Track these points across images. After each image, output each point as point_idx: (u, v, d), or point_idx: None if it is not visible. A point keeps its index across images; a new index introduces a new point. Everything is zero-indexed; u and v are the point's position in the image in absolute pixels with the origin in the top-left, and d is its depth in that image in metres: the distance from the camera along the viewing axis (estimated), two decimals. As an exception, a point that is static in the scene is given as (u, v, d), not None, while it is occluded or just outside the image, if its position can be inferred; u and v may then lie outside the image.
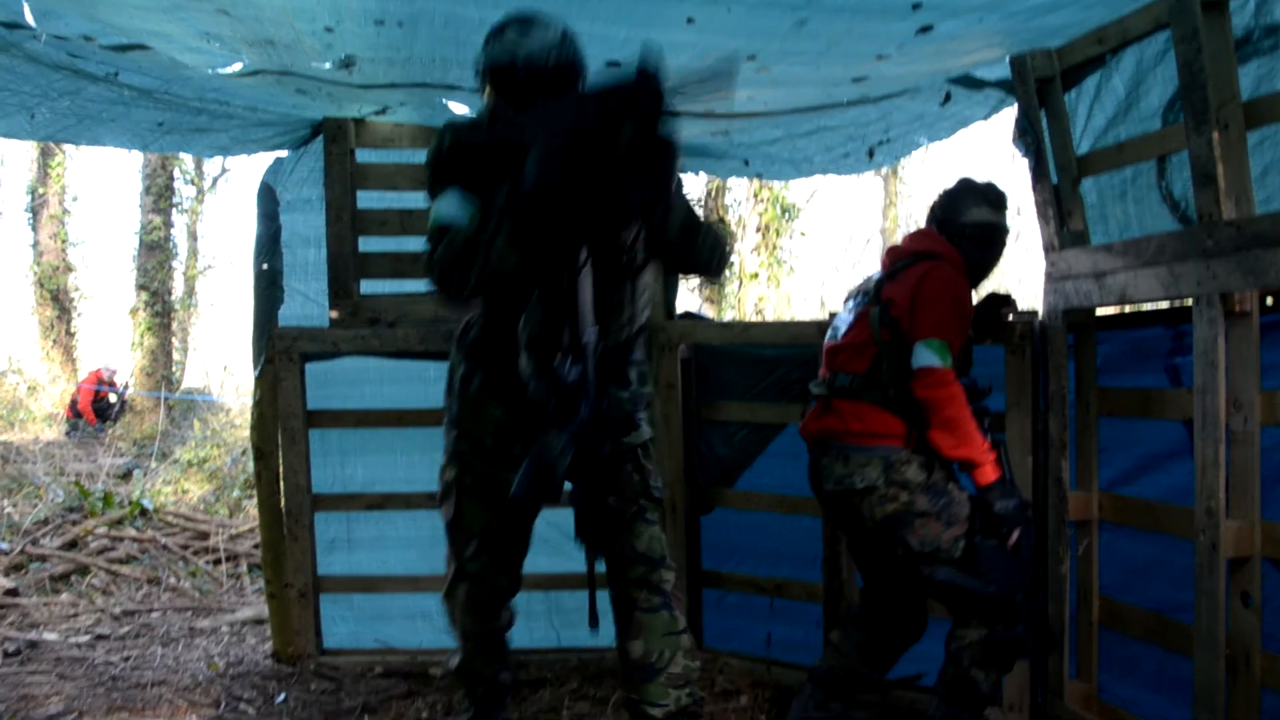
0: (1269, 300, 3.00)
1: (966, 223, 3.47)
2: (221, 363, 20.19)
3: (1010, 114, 3.90)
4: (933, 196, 3.65)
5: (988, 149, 32.36)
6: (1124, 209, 3.60)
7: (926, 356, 3.22)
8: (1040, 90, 3.67)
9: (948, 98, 4.10)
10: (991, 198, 3.52)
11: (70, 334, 18.51)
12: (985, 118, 4.22)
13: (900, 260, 3.48)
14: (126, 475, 10.57)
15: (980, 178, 3.61)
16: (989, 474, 3.21)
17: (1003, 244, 3.56)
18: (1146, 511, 3.42)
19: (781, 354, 4.62)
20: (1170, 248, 3.16)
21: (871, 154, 4.66)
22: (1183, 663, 3.20)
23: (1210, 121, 2.92)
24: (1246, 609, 2.97)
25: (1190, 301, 3.08)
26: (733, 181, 15.51)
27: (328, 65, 3.60)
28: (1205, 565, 3.01)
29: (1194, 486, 3.06)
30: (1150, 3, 3.13)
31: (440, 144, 2.63)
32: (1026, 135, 3.74)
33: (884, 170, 20.42)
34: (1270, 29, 2.95)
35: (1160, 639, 3.37)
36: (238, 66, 3.64)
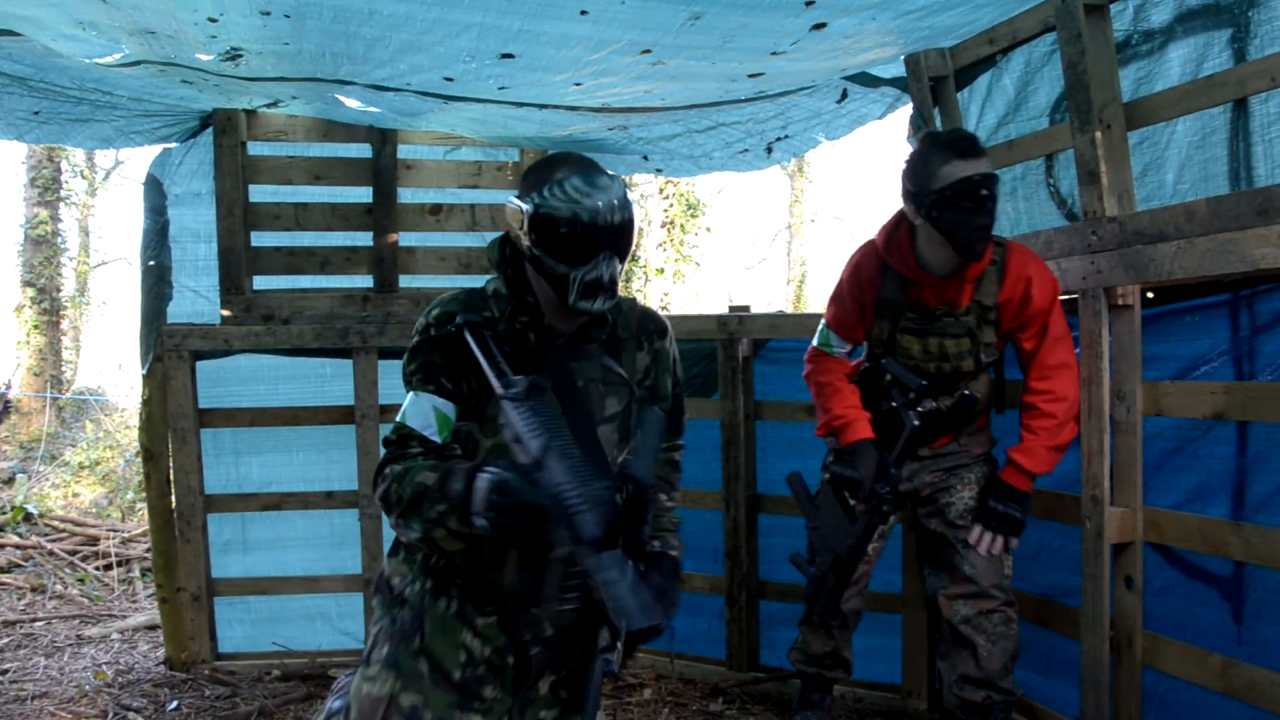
0: (1149, 294, 3.10)
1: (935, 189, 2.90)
2: (116, 361, 19.46)
3: (906, 113, 3.96)
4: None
5: (889, 149, 33.02)
6: (1014, 205, 3.68)
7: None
8: (934, 88, 3.74)
9: (844, 95, 4.15)
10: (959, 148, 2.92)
11: (-52, 332, 17.72)
12: (881, 116, 4.29)
13: None
14: (10, 480, 10.14)
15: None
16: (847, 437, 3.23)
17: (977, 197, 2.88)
18: (1036, 499, 3.51)
19: (680, 348, 4.61)
20: (1057, 243, 3.25)
21: (770, 150, 4.70)
22: (1070, 645, 3.30)
23: (1094, 121, 3.01)
24: (1129, 591, 3.07)
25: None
26: (640, 177, 15.54)
27: (213, 57, 3.48)
28: (1091, 550, 3.11)
29: (1080, 475, 3.15)
30: (1037, 5, 3.21)
31: (430, 320, 2.19)
32: (921, 132, 3.80)
33: (790, 167, 20.66)
34: (1148, 33, 3.05)
35: (1049, 623, 3.46)
36: (118, 56, 3.49)
